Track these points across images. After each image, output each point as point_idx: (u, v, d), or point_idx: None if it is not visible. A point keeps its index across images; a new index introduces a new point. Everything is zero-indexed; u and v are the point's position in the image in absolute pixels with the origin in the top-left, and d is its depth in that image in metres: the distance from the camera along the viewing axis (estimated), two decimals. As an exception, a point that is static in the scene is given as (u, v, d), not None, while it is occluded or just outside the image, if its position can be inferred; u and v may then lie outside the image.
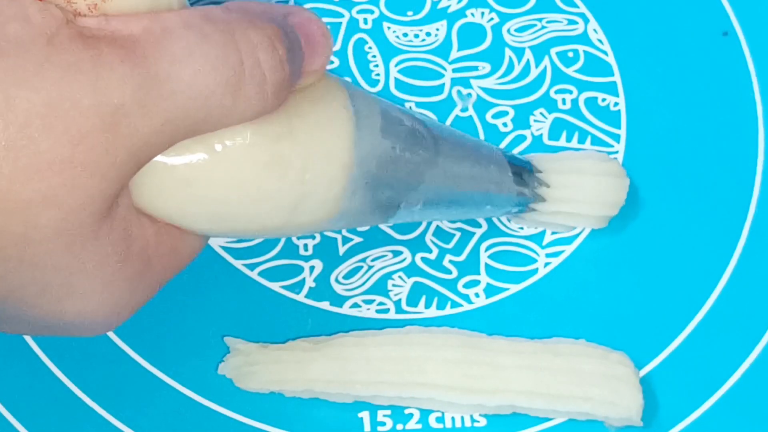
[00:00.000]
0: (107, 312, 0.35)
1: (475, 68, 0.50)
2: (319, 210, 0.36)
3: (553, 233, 0.47)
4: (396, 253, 0.47)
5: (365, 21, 0.50)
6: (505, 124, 0.49)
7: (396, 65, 0.50)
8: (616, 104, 0.49)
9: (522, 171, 0.45)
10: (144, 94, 0.32)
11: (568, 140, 0.48)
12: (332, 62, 0.49)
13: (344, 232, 0.47)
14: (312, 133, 0.35)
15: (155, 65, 0.32)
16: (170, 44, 0.33)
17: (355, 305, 0.46)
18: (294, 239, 0.47)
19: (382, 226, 0.47)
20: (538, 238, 0.47)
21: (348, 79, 0.44)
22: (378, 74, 0.49)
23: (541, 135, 0.48)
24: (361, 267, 0.46)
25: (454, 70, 0.50)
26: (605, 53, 0.50)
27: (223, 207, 0.35)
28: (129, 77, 0.32)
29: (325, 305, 0.46)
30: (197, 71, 0.33)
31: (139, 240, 0.35)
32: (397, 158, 0.37)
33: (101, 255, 0.34)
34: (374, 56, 0.50)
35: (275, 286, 0.46)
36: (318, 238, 0.47)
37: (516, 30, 0.50)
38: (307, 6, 0.50)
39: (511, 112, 0.49)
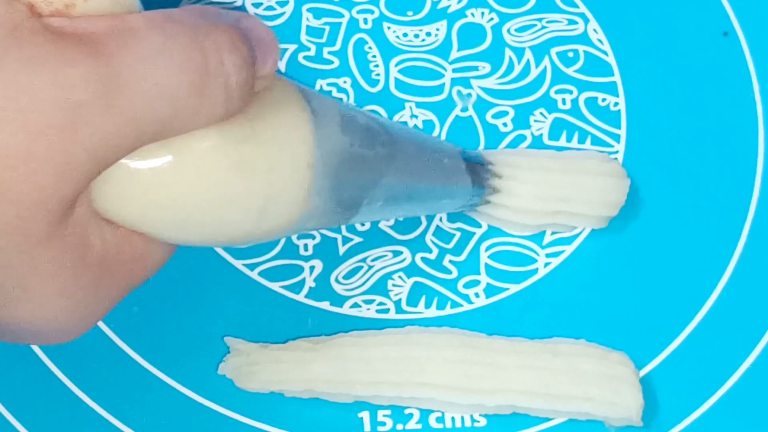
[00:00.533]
0: (65, 320, 0.35)
1: (475, 68, 0.50)
2: (286, 212, 0.36)
3: (553, 233, 0.47)
4: (396, 253, 0.47)
5: (365, 21, 0.50)
6: (505, 124, 0.49)
7: (396, 65, 0.50)
8: (616, 104, 0.49)
9: (474, 164, 0.45)
10: (107, 92, 0.32)
11: (568, 140, 0.48)
12: (332, 62, 0.49)
13: (344, 232, 0.47)
14: (274, 135, 0.35)
15: (120, 64, 0.32)
16: (135, 44, 0.32)
17: (355, 305, 0.46)
18: (294, 239, 0.47)
19: (382, 226, 0.47)
20: (538, 238, 0.47)
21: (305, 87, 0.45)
22: (378, 74, 0.49)
23: (541, 135, 0.49)
24: (361, 267, 0.46)
25: (454, 70, 0.50)
26: (605, 53, 0.50)
27: (189, 212, 0.34)
28: (92, 74, 0.31)
29: (325, 305, 0.46)
30: (162, 71, 0.32)
31: (98, 247, 0.34)
32: (356, 155, 0.38)
33: (54, 259, 0.33)
34: (374, 56, 0.50)
35: (275, 286, 0.46)
36: (318, 238, 0.47)
37: (516, 30, 0.50)
38: (308, 6, 0.50)
39: (511, 112, 0.49)
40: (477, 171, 0.45)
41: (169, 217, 0.34)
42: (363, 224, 0.47)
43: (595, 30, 0.50)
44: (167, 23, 0.33)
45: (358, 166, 0.38)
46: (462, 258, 0.47)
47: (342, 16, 0.50)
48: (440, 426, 0.44)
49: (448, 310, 0.46)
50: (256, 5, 0.50)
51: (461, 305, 0.46)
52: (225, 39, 0.33)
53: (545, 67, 0.50)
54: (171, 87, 0.32)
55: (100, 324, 0.45)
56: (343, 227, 0.47)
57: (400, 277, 0.46)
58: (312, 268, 0.46)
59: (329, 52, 0.50)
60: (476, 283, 0.46)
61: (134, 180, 0.33)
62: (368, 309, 0.46)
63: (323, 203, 0.37)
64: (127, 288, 0.36)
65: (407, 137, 0.42)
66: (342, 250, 0.47)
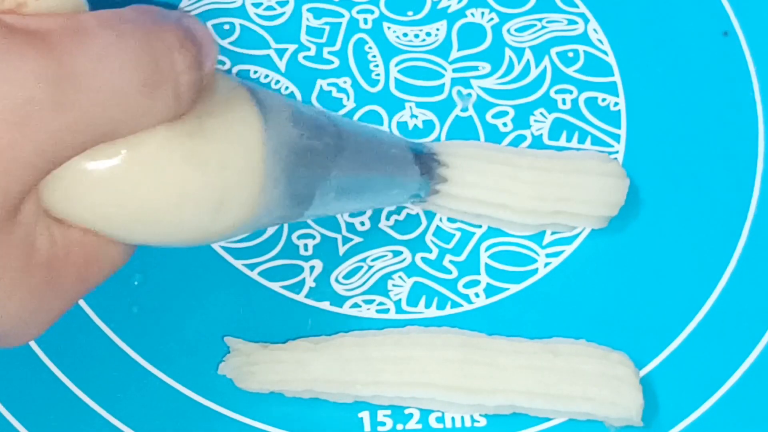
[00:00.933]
0: (13, 323, 0.34)
1: (475, 68, 0.50)
2: (242, 206, 0.36)
3: (553, 233, 0.47)
4: (396, 253, 0.47)
5: (365, 21, 0.50)
6: (505, 124, 0.49)
7: (396, 65, 0.50)
8: (616, 104, 0.49)
9: (421, 155, 0.45)
10: (57, 89, 0.31)
11: (568, 140, 0.48)
12: (332, 62, 0.49)
13: (344, 232, 0.47)
14: (223, 129, 0.35)
15: (71, 61, 0.32)
16: (87, 43, 0.32)
17: (355, 305, 0.46)
18: (294, 239, 0.47)
19: (382, 226, 0.47)
20: (538, 238, 0.47)
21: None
22: (378, 74, 0.49)
23: (541, 135, 0.49)
24: (361, 267, 0.46)
25: (454, 70, 0.50)
26: (605, 53, 0.50)
27: (142, 210, 0.34)
28: (43, 71, 0.31)
29: (325, 305, 0.46)
30: (114, 70, 0.32)
31: (46, 248, 0.34)
32: (306, 146, 0.38)
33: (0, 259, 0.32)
34: (374, 56, 0.50)
35: (275, 286, 0.46)
36: (318, 238, 0.47)
37: (516, 30, 0.50)
38: (308, 6, 0.50)
39: (511, 112, 0.49)
40: (424, 161, 0.45)
41: (122, 216, 0.34)
42: (363, 224, 0.47)
43: (595, 30, 0.50)
44: (119, 23, 0.33)
45: (308, 157, 0.38)
46: (462, 258, 0.47)
47: (342, 16, 0.50)
48: (440, 426, 0.44)
49: (448, 310, 0.46)
50: (256, 5, 0.50)
51: (461, 305, 0.46)
52: (174, 39, 0.33)
53: (545, 67, 0.50)
54: (122, 86, 0.32)
55: (100, 324, 0.45)
56: (343, 227, 0.47)
57: (400, 277, 0.46)
58: (312, 268, 0.46)
59: (329, 52, 0.50)
60: (476, 283, 0.46)
61: (85, 179, 0.33)
62: (368, 309, 0.46)
63: (278, 195, 0.37)
64: (83, 290, 0.35)
65: (354, 129, 0.43)
66: (342, 250, 0.47)
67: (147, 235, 0.35)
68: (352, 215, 0.47)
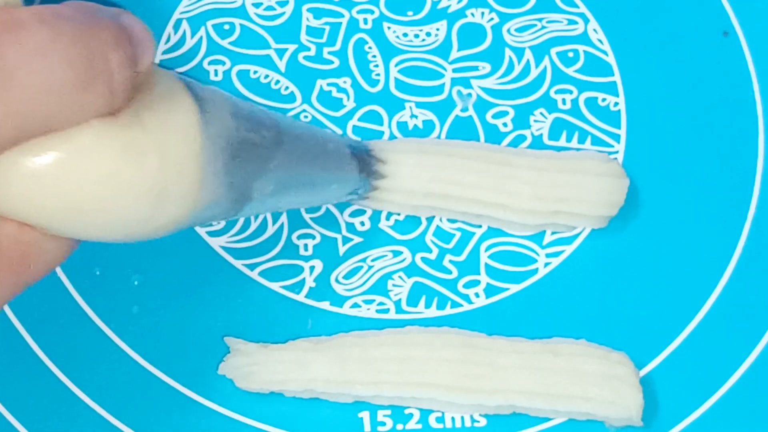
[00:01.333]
0: None
1: (475, 68, 0.50)
2: (182, 197, 0.36)
3: (553, 233, 0.47)
4: (396, 253, 0.47)
5: (365, 21, 0.50)
6: (505, 124, 0.49)
7: (396, 65, 0.50)
8: (616, 104, 0.49)
9: (358, 151, 0.45)
10: None
11: (568, 140, 0.48)
12: (332, 62, 0.49)
13: (344, 232, 0.47)
14: (160, 120, 0.35)
15: (6, 56, 0.32)
16: (23, 37, 0.32)
17: (355, 305, 0.46)
18: (294, 239, 0.47)
19: (382, 226, 0.47)
20: (538, 238, 0.47)
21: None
22: (378, 74, 0.49)
23: (541, 135, 0.49)
24: (361, 267, 0.46)
25: (454, 70, 0.50)
26: (605, 53, 0.50)
27: (78, 201, 0.34)
28: None
29: (325, 305, 0.46)
30: (48, 66, 0.32)
31: None
32: (244, 139, 0.38)
33: None
34: (374, 56, 0.50)
35: (275, 286, 0.46)
36: (318, 238, 0.47)
37: (516, 30, 0.50)
38: (308, 6, 0.50)
39: (511, 112, 0.49)
40: (362, 157, 0.45)
41: (59, 209, 0.34)
42: (363, 224, 0.47)
43: (595, 30, 0.50)
44: (55, 19, 0.33)
45: (246, 149, 0.38)
46: (462, 258, 0.47)
47: (342, 16, 0.50)
48: (440, 426, 0.44)
49: (448, 310, 0.46)
50: (256, 5, 0.50)
51: (461, 305, 0.46)
52: (109, 37, 0.33)
53: (545, 67, 0.50)
54: (56, 82, 0.32)
55: (100, 324, 0.45)
56: (343, 227, 0.47)
57: (400, 277, 0.46)
58: (312, 268, 0.46)
59: (329, 52, 0.50)
60: (476, 283, 0.46)
61: (19, 172, 0.33)
62: (368, 309, 0.46)
63: (218, 186, 0.37)
64: (20, 285, 0.35)
65: (292, 124, 0.43)
66: (342, 250, 0.47)
67: (85, 228, 0.35)
68: (352, 215, 0.47)
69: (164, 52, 0.49)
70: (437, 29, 0.50)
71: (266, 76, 0.49)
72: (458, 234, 0.47)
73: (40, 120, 0.33)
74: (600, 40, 0.50)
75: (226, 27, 0.50)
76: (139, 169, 0.34)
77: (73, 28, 0.33)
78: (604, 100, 0.49)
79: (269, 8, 0.50)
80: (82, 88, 0.33)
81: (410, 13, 0.51)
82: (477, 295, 0.46)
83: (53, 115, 0.33)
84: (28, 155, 0.33)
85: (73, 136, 0.33)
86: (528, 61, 0.50)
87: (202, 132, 0.36)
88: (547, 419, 0.44)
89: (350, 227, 0.47)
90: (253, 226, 0.47)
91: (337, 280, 0.46)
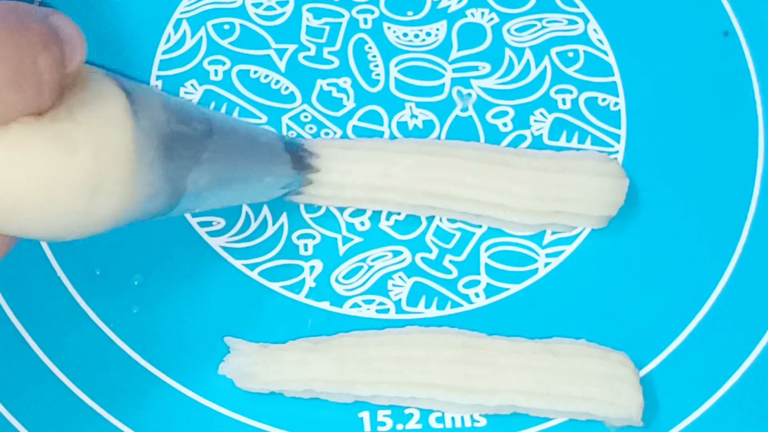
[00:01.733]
0: None
1: (475, 68, 0.50)
2: (117, 190, 0.36)
3: (553, 233, 0.47)
4: (396, 253, 0.47)
5: (365, 21, 0.50)
6: (505, 124, 0.49)
7: (396, 65, 0.50)
8: (616, 104, 0.49)
9: (291, 146, 0.45)
10: None
11: (568, 140, 0.48)
12: (332, 62, 0.49)
13: (344, 232, 0.47)
14: (92, 114, 0.35)
15: None
16: None
17: (355, 305, 0.46)
18: (294, 239, 0.47)
19: (382, 226, 0.47)
20: (538, 238, 0.47)
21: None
22: (378, 74, 0.49)
23: (541, 135, 0.49)
24: (361, 267, 0.46)
25: (454, 70, 0.50)
26: (605, 53, 0.50)
27: (12, 197, 0.34)
28: None
29: (325, 305, 0.46)
30: None
31: None
32: (176, 131, 0.39)
33: None
34: (374, 56, 0.50)
35: (275, 286, 0.46)
36: (318, 238, 0.47)
37: (516, 30, 0.50)
38: (308, 6, 0.50)
39: (511, 112, 0.49)
40: (295, 152, 0.45)
41: None
42: (363, 224, 0.47)
43: (595, 30, 0.50)
44: None
45: (178, 140, 0.39)
46: (462, 258, 0.47)
47: (342, 16, 0.50)
48: (440, 426, 0.44)
49: (448, 310, 0.46)
50: (256, 5, 0.50)
51: (461, 305, 0.46)
52: (39, 39, 0.34)
53: (545, 67, 0.50)
54: None
55: (100, 324, 0.45)
56: (343, 227, 0.47)
57: (400, 277, 0.46)
58: (312, 268, 0.46)
59: (329, 52, 0.50)
60: (476, 283, 0.46)
61: None
62: (368, 309, 0.46)
63: (152, 179, 0.37)
64: None
65: (223, 117, 0.44)
66: (342, 250, 0.47)
67: (23, 224, 0.35)
68: (352, 215, 0.47)
69: (164, 52, 0.49)
70: (437, 29, 0.50)
71: (266, 76, 0.49)
72: (458, 234, 0.47)
73: None
74: (600, 40, 0.50)
75: (226, 27, 0.50)
76: (72, 161, 0.34)
77: (2, 29, 0.33)
78: (604, 100, 0.49)
79: (269, 8, 0.50)
80: (10, 88, 0.33)
81: (410, 13, 0.51)
82: (477, 295, 0.46)
83: None
84: None
85: (3, 134, 0.33)
86: (528, 61, 0.50)
87: (134, 123, 0.36)
88: (547, 419, 0.44)
89: (350, 227, 0.47)
90: (253, 226, 0.47)
91: (337, 280, 0.46)
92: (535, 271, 0.47)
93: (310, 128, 0.48)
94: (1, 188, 0.34)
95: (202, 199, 0.41)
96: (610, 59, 0.50)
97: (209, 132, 0.41)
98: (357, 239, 0.47)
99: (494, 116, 0.49)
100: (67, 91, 0.35)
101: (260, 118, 0.48)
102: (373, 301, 0.46)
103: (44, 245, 0.46)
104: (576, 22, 0.50)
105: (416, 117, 0.49)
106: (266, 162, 0.44)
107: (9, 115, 0.33)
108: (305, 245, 0.47)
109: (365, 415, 0.44)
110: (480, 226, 0.47)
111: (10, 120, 0.33)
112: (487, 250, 0.47)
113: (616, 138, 0.49)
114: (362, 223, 0.47)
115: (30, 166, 0.34)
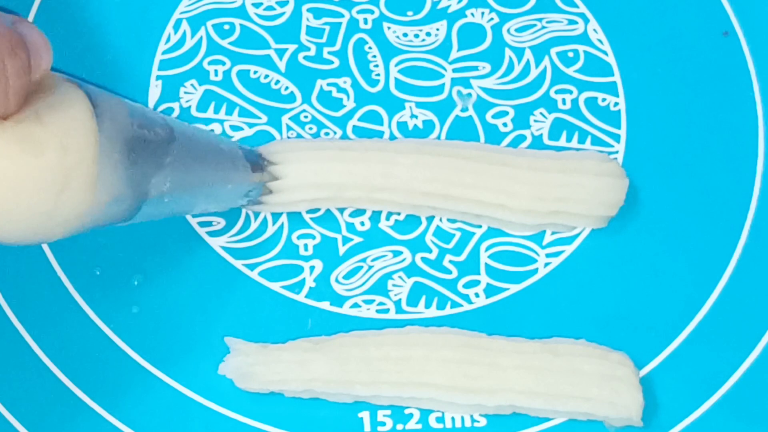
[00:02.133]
0: None
1: (475, 68, 0.50)
2: (82, 190, 0.37)
3: (553, 233, 0.47)
4: (396, 253, 0.47)
5: (365, 21, 0.50)
6: (505, 124, 0.49)
7: (396, 65, 0.50)
8: (616, 104, 0.49)
9: (251, 154, 0.46)
10: None
11: (568, 140, 0.48)
12: (332, 62, 0.49)
13: (344, 232, 0.47)
14: (57, 117, 0.36)
15: None
16: None
17: (356, 305, 0.46)
18: (294, 239, 0.47)
19: (382, 226, 0.47)
20: (538, 238, 0.47)
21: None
22: (378, 74, 0.49)
23: (541, 135, 0.49)
24: (361, 267, 0.46)
25: (454, 70, 0.50)
26: (605, 53, 0.50)
27: None
28: None
29: (325, 305, 0.46)
30: None
31: None
32: (139, 135, 0.40)
33: None
34: (374, 56, 0.50)
35: (275, 286, 0.46)
36: (318, 238, 0.47)
37: (516, 30, 0.50)
38: (308, 6, 0.50)
39: (511, 112, 0.49)
40: (254, 160, 0.45)
41: None
42: (363, 224, 0.47)
43: (595, 30, 0.50)
44: None
45: (141, 145, 0.40)
46: (462, 258, 0.47)
47: (342, 16, 0.50)
48: (440, 426, 0.44)
49: (448, 310, 0.46)
50: (256, 5, 0.50)
51: (461, 305, 0.46)
52: (6, 45, 0.34)
53: (545, 67, 0.50)
54: None
55: (100, 324, 0.45)
56: (343, 227, 0.47)
57: (400, 277, 0.46)
58: (312, 268, 0.46)
59: (329, 52, 0.50)
60: (476, 283, 0.46)
61: None
62: (368, 309, 0.46)
63: (116, 181, 0.38)
64: None
65: (184, 125, 0.44)
66: (342, 250, 0.47)
67: None
68: (352, 215, 0.47)
69: (164, 52, 0.49)
70: (437, 29, 0.50)
71: (266, 76, 0.49)
72: (458, 234, 0.47)
73: None
74: (600, 40, 0.50)
75: (226, 27, 0.50)
76: (39, 161, 0.35)
77: None
78: (604, 100, 0.49)
79: (269, 8, 0.50)
80: None
81: (410, 13, 0.51)
82: (477, 295, 0.46)
83: None
84: None
85: None
86: (528, 61, 0.50)
87: (99, 127, 0.37)
88: (547, 419, 0.44)
89: (350, 227, 0.47)
90: (253, 226, 0.47)
91: (337, 280, 0.46)
92: (535, 271, 0.47)
93: (310, 128, 0.48)
94: None
95: (163, 204, 0.42)
96: (610, 59, 0.50)
97: (171, 138, 0.41)
98: (357, 239, 0.47)
99: (494, 116, 0.49)
100: (32, 96, 0.36)
101: (260, 118, 0.48)
102: (373, 301, 0.46)
103: (44, 245, 0.46)
104: (576, 22, 0.50)
105: (416, 117, 0.49)
106: (227, 169, 0.44)
107: None
108: (305, 245, 0.47)
109: (365, 415, 0.44)
110: (480, 226, 0.47)
111: None
112: (487, 250, 0.47)
113: (616, 138, 0.49)
114: (362, 223, 0.47)
115: None
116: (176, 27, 0.50)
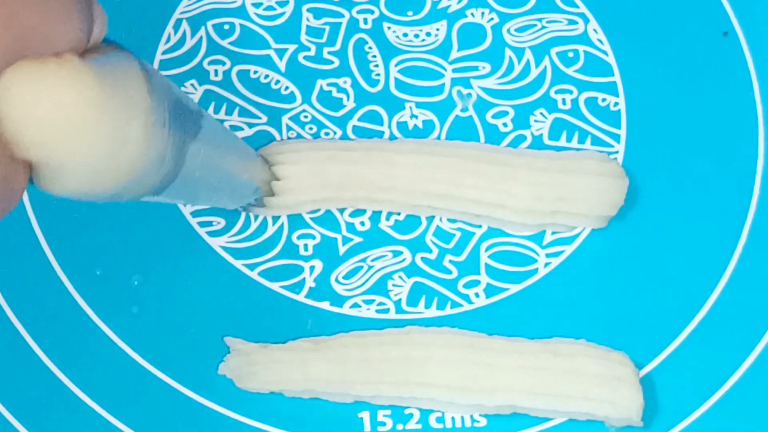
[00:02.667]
0: None
1: (475, 68, 0.50)
2: (138, 139, 0.37)
3: (553, 233, 0.47)
4: (396, 253, 0.47)
5: (365, 21, 0.50)
6: (505, 124, 0.49)
7: (396, 65, 0.50)
8: (616, 104, 0.49)
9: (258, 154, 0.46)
10: None
11: (568, 140, 0.48)
12: (332, 62, 0.49)
13: (344, 232, 0.47)
14: (114, 68, 0.36)
15: None
16: None
17: (356, 305, 0.46)
18: (294, 239, 0.47)
19: (382, 226, 0.47)
20: (538, 238, 0.47)
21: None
22: (378, 74, 0.49)
23: (541, 135, 0.49)
24: (361, 267, 0.46)
25: (454, 70, 0.50)
26: (605, 53, 0.50)
27: (61, 119, 0.35)
28: None
29: (325, 305, 0.46)
30: None
31: None
32: (178, 99, 0.40)
33: None
34: (374, 56, 0.50)
35: (275, 286, 0.46)
36: (318, 238, 0.47)
37: (516, 30, 0.50)
38: (308, 6, 0.50)
39: (511, 112, 0.49)
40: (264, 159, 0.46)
41: (42, 125, 0.35)
42: (363, 224, 0.47)
43: (595, 30, 0.50)
44: None
45: (181, 108, 0.40)
46: (462, 258, 0.47)
47: (342, 16, 0.50)
48: (440, 426, 0.44)
49: (448, 310, 0.46)
50: (256, 5, 0.50)
51: (461, 305, 0.46)
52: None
53: (545, 67, 0.50)
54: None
55: (100, 324, 0.45)
56: (343, 227, 0.47)
57: (400, 277, 0.46)
58: (312, 268, 0.46)
59: (329, 52, 0.50)
60: (476, 283, 0.46)
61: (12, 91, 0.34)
62: (368, 309, 0.46)
63: (163, 138, 0.38)
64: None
65: (206, 113, 0.44)
66: (342, 250, 0.47)
67: (60, 153, 0.35)
68: (352, 215, 0.47)
69: (164, 52, 0.49)
70: (437, 29, 0.50)
71: (266, 76, 0.49)
72: (458, 234, 0.47)
73: (39, 37, 0.33)
74: (600, 40, 0.50)
75: (226, 27, 0.50)
76: (109, 101, 0.35)
77: None
78: (604, 100, 0.49)
79: (269, 8, 0.50)
80: (63, 17, 0.33)
81: (410, 13, 0.51)
82: (477, 295, 0.46)
83: (49, 34, 0.33)
84: (23, 73, 0.34)
85: (61, 62, 0.34)
86: (528, 61, 0.50)
87: (148, 82, 0.37)
88: (547, 419, 0.44)
89: (350, 227, 0.47)
90: (253, 226, 0.47)
91: (337, 280, 0.46)
92: (535, 271, 0.47)
93: (310, 128, 0.48)
94: (51, 113, 0.34)
95: (193, 180, 0.42)
96: (610, 59, 0.50)
97: (200, 113, 0.42)
98: (357, 239, 0.47)
99: (494, 116, 0.49)
100: (88, 54, 0.36)
101: (260, 118, 0.48)
102: (373, 301, 0.46)
103: (44, 245, 0.46)
104: (576, 22, 0.50)
105: (416, 117, 0.49)
106: (244, 158, 0.45)
107: (58, 43, 0.34)
108: (305, 245, 0.47)
109: (365, 415, 0.44)
110: (480, 226, 0.47)
111: (57, 49, 0.34)
112: (487, 250, 0.47)
113: (616, 138, 0.49)
114: (362, 223, 0.47)
115: (78, 98, 0.34)
116: (176, 27, 0.50)
